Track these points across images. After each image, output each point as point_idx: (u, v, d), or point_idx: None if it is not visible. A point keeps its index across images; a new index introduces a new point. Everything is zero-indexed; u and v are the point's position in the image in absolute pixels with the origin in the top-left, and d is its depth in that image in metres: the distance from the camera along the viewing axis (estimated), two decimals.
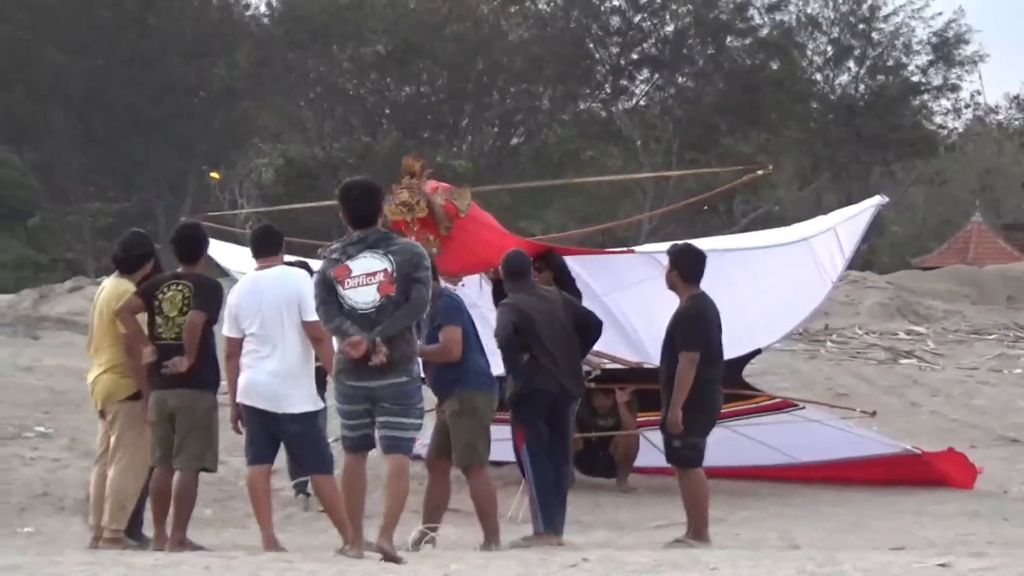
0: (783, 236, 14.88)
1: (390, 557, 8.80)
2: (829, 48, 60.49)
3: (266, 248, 9.99)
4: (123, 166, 55.43)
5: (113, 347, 10.48)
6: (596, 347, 11.91)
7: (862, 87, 60.34)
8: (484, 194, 18.38)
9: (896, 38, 60.04)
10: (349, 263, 9.08)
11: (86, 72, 52.96)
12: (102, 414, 10.61)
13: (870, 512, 12.96)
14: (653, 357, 11.92)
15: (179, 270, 10.39)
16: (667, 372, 10.68)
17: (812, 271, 13.89)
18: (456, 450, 10.40)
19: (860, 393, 18.21)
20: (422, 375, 9.42)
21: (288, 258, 10.57)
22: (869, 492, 13.95)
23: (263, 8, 59.37)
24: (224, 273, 14.04)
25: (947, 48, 59.52)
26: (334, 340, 9.31)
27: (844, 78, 60.67)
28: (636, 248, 15.00)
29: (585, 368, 12.30)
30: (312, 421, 9.77)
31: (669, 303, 10.98)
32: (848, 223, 14.25)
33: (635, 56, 59.00)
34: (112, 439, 10.45)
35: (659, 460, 10.97)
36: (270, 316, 9.66)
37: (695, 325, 10.52)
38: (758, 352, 14.09)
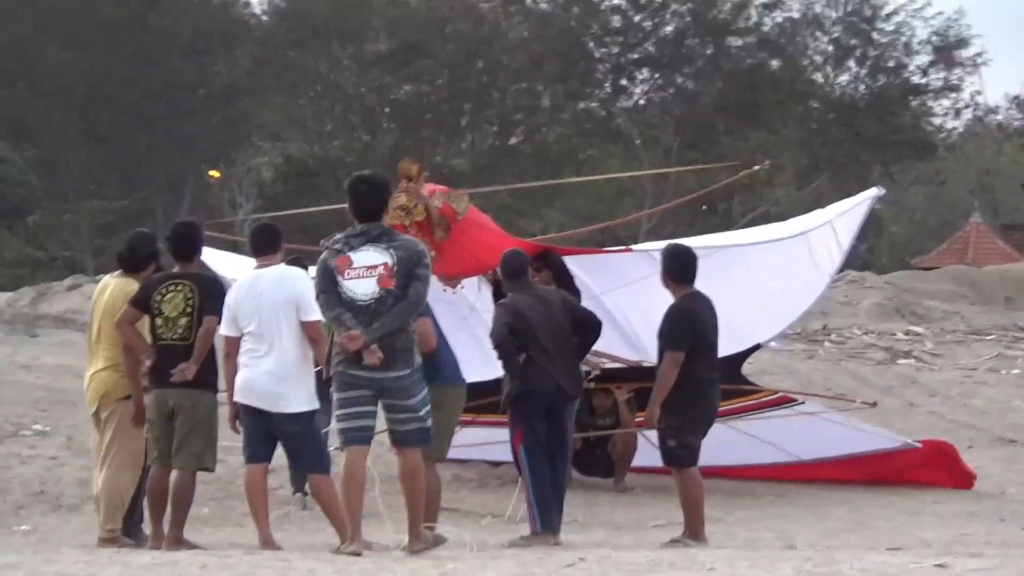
0: (780, 231, 14.86)
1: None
2: (830, 48, 60.49)
3: (266, 247, 9.99)
4: (123, 164, 55.39)
5: (115, 345, 10.44)
6: (595, 346, 11.88)
7: (862, 87, 60.33)
8: (483, 194, 18.34)
9: (897, 38, 60.05)
10: (351, 254, 9.14)
11: (88, 70, 52.93)
12: (96, 415, 10.56)
13: (868, 512, 12.95)
14: (651, 355, 11.89)
15: (176, 269, 10.34)
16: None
17: (810, 265, 13.88)
18: None
19: (858, 393, 18.15)
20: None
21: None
22: (867, 492, 13.95)
23: (264, 6, 59.46)
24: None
25: (947, 50, 59.51)
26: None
27: (844, 78, 60.76)
28: (633, 246, 14.97)
29: (584, 368, 12.28)
30: (309, 421, 9.77)
31: (667, 301, 10.95)
32: (845, 216, 14.23)
33: (635, 55, 58.99)
34: (106, 438, 10.42)
35: (658, 460, 10.94)
36: (268, 315, 9.67)
37: (680, 325, 10.49)
38: (757, 347, 14.09)
